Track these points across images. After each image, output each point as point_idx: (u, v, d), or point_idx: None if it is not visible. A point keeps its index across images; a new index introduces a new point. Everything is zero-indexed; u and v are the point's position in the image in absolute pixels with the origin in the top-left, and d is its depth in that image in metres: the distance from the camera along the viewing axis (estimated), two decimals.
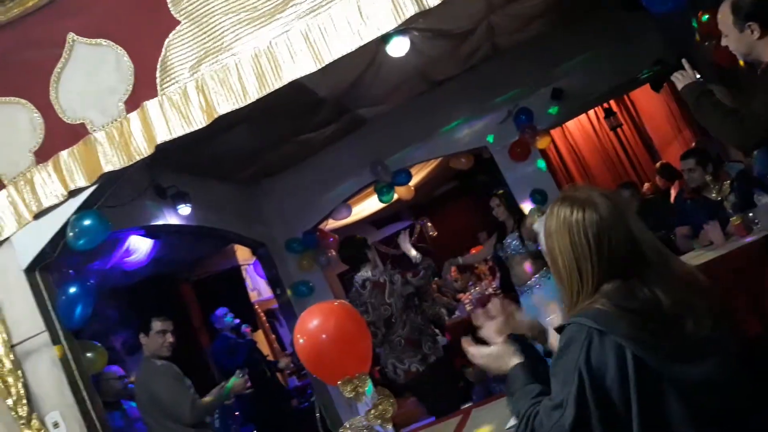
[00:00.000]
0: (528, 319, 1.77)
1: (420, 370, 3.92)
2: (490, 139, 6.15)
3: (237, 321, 6.32)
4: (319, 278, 6.65)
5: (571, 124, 7.78)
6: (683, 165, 3.96)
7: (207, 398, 3.58)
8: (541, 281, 4.47)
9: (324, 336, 1.63)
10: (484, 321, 1.69)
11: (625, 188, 5.55)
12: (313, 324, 1.66)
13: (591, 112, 7.73)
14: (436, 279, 7.90)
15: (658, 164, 6.92)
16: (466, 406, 3.11)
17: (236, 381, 3.66)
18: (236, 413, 5.70)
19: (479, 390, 5.63)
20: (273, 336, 8.73)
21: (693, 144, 5.66)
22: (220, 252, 7.62)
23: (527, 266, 4.59)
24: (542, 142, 6.03)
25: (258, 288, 8.72)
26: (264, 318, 8.53)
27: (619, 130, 7.84)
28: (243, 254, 8.22)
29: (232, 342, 6.03)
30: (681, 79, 2.51)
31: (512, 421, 2.00)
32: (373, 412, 1.55)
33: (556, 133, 7.39)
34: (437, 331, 6.26)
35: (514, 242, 4.69)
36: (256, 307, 8.30)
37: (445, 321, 6.68)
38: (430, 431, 2.34)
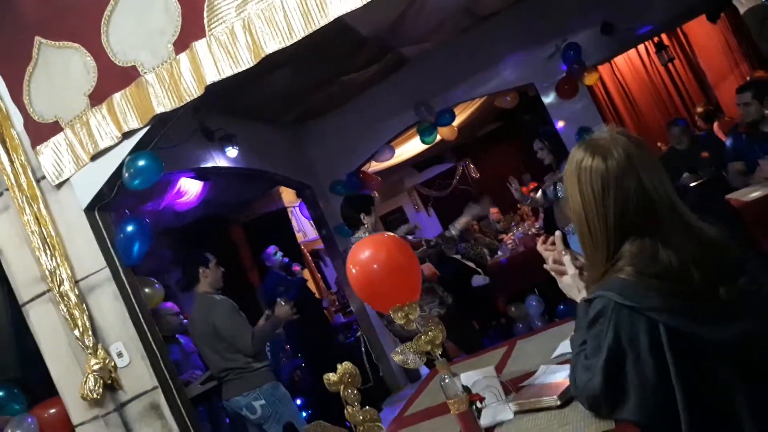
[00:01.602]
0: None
1: (441, 312, 3.83)
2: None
3: (287, 260, 6.49)
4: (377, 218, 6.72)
5: (619, 60, 7.52)
6: (739, 99, 3.82)
7: (260, 328, 3.73)
8: None
9: (375, 266, 1.69)
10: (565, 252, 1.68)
11: (675, 125, 5.39)
12: (365, 255, 1.71)
13: (641, 47, 7.44)
14: (476, 222, 7.93)
15: (699, 108, 6.69)
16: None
17: (281, 308, 3.78)
18: (287, 347, 5.95)
19: (521, 328, 5.72)
20: (318, 275, 8.96)
21: (748, 78, 5.43)
22: (266, 194, 7.78)
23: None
24: (590, 79, 5.86)
25: (303, 229, 8.91)
26: (309, 258, 8.73)
27: (670, 65, 7.54)
28: (288, 197, 8.37)
29: (282, 279, 6.22)
30: (744, 3, 2.38)
31: (558, 351, 2.05)
32: (423, 338, 1.60)
33: (603, 69, 7.16)
34: (479, 270, 6.34)
35: (553, 189, 4.64)
36: (302, 247, 8.49)
37: (487, 261, 6.72)
38: (477, 361, 2.40)
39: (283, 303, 3.79)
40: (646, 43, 7.27)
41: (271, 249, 6.23)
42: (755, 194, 3.23)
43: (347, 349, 6.20)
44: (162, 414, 3.14)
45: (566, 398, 1.59)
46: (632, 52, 7.44)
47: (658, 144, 6.39)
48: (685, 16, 5.96)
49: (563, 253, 1.62)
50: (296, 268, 6.36)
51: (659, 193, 1.30)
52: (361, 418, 1.15)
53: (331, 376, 1.18)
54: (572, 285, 1.56)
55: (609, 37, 5.74)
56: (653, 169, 1.33)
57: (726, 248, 1.31)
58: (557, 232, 1.73)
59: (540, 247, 1.72)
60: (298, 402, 5.20)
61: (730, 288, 1.24)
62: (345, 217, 3.98)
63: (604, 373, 1.26)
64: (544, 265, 1.64)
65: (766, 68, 6.07)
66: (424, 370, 3.52)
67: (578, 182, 1.35)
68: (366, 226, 3.83)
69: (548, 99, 6.03)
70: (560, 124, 5.96)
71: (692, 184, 4.77)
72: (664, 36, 7.18)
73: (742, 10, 2.42)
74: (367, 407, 1.18)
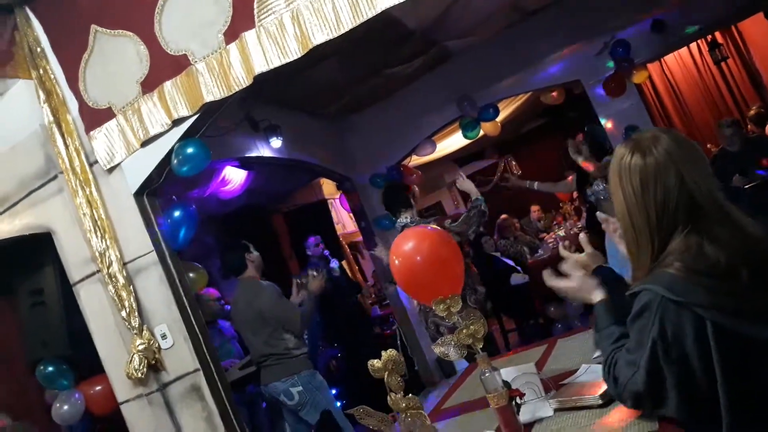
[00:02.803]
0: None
1: (470, 301, 3.63)
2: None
3: (327, 252, 6.53)
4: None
5: (669, 58, 7.33)
6: None
7: (304, 307, 3.77)
8: None
9: (418, 258, 1.69)
10: (569, 254, 1.68)
11: (727, 126, 5.24)
12: (408, 246, 1.72)
13: (693, 45, 7.24)
14: (517, 220, 7.85)
15: (752, 111, 6.47)
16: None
17: (314, 281, 3.79)
18: (323, 336, 6.01)
19: (560, 328, 5.65)
20: (356, 267, 9.01)
21: None
22: (307, 186, 7.85)
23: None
24: (639, 77, 5.74)
25: (342, 221, 8.97)
26: (348, 250, 8.78)
27: (723, 64, 7.31)
28: (329, 189, 8.43)
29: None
30: None
31: (598, 352, 2.02)
32: (465, 331, 1.61)
33: (653, 67, 6.99)
34: (518, 268, 6.29)
35: (601, 187, 4.55)
36: (341, 239, 8.54)
37: (527, 260, 6.66)
38: (516, 358, 2.39)
39: (315, 274, 3.80)
40: (699, 41, 7.07)
41: (314, 239, 6.29)
42: None
43: (383, 341, 6.23)
44: (203, 396, 3.21)
45: (608, 397, 1.57)
46: (683, 50, 7.25)
47: (708, 146, 6.22)
48: (741, 13, 5.78)
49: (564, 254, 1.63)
50: (333, 265, 6.38)
51: (702, 190, 1.29)
52: (404, 405, 1.16)
53: (375, 363, 1.19)
54: (582, 288, 1.55)
55: (659, 35, 5.60)
56: (695, 167, 1.32)
57: None
58: (581, 235, 1.72)
59: (563, 251, 1.72)
60: (333, 391, 5.25)
61: None
62: (390, 201, 3.95)
63: (648, 368, 1.25)
64: (547, 280, 1.64)
65: None
66: (460, 366, 3.49)
67: (620, 179, 1.36)
68: (412, 209, 3.85)
69: (595, 97, 5.92)
70: (608, 125, 5.84)
71: (745, 187, 4.63)
72: (717, 34, 6.97)
73: None
74: (410, 395, 1.19)
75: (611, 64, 5.71)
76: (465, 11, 4.85)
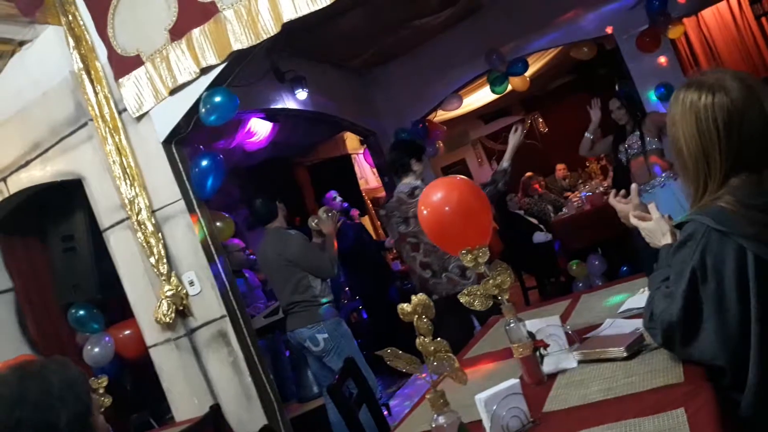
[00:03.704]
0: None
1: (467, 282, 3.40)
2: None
3: (345, 204, 6.57)
4: (427, 169, 6.70)
5: (707, 12, 7.07)
6: None
7: (327, 251, 3.76)
8: (667, 182, 4.28)
9: (447, 208, 1.69)
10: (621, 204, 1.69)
11: (766, 83, 5.08)
12: (437, 197, 1.72)
13: None
14: (542, 178, 7.78)
15: None
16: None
17: (326, 223, 3.76)
18: (346, 289, 6.09)
19: (581, 286, 5.65)
20: (378, 222, 9.05)
21: None
22: (331, 140, 7.84)
23: (656, 168, 4.36)
24: (675, 32, 5.56)
25: (366, 176, 8.97)
26: (370, 205, 8.81)
27: (764, 19, 7.04)
28: (352, 144, 8.41)
29: (340, 223, 6.31)
30: None
31: (626, 306, 2.02)
32: (491, 281, 1.61)
33: (689, 22, 6.74)
34: (541, 226, 6.27)
35: (636, 143, 4.47)
36: (364, 194, 8.56)
37: (551, 217, 6.63)
38: (539, 311, 2.40)
39: (325, 217, 3.76)
40: None
41: (331, 193, 6.31)
42: None
43: (405, 294, 6.29)
44: (229, 342, 3.30)
45: (633, 350, 1.58)
46: (722, 3, 6.98)
47: None
48: None
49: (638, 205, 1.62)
50: (354, 212, 6.42)
51: None
52: (432, 348, 1.18)
53: (405, 306, 1.21)
54: (656, 230, 1.55)
55: None
56: None
57: None
58: (633, 185, 1.71)
59: (612, 200, 1.73)
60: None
61: None
62: (393, 161, 3.62)
63: (684, 297, 1.26)
64: (631, 214, 1.62)
65: None
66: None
67: (697, 121, 1.32)
68: (416, 172, 3.56)
69: (628, 52, 5.76)
70: (638, 79, 5.69)
71: None
72: None
73: None
74: (439, 338, 1.21)
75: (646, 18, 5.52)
76: None
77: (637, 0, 5.58)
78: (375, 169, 7.39)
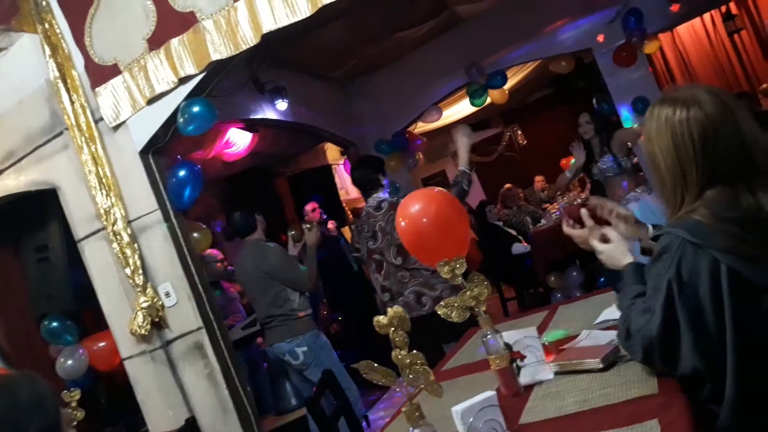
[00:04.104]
0: (625, 211, 1.74)
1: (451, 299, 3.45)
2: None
3: (324, 216, 6.51)
4: (406, 180, 6.72)
5: (681, 29, 7.21)
6: None
7: (306, 265, 3.77)
8: (640, 195, 4.35)
9: (425, 220, 1.69)
10: (572, 231, 1.72)
11: (739, 99, 5.18)
12: (414, 208, 1.72)
13: (707, 15, 7.11)
14: (521, 190, 7.84)
15: (764, 85, 6.38)
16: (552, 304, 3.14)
17: (310, 235, 3.77)
18: (324, 300, 6.05)
19: (559, 297, 5.68)
20: None
21: None
22: (312, 150, 7.82)
23: (624, 184, 4.43)
24: (651, 47, 5.66)
25: (346, 187, 8.95)
26: (351, 216, 8.79)
27: (736, 36, 7.20)
28: (333, 154, 8.40)
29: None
30: None
31: (602, 317, 2.04)
32: (468, 293, 1.62)
33: (663, 37, 6.88)
34: (520, 237, 6.31)
35: (610, 165, 4.53)
36: (344, 205, 8.54)
37: (529, 229, 6.67)
38: (517, 323, 2.40)
39: (309, 228, 3.77)
40: (712, 12, 6.95)
41: (310, 206, 6.25)
42: None
43: (385, 308, 6.27)
44: (205, 354, 3.26)
45: (609, 361, 1.59)
46: (696, 20, 7.13)
47: None
48: None
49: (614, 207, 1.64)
50: (331, 224, 6.39)
51: (757, 139, 1.30)
52: (408, 361, 1.18)
53: (381, 319, 1.20)
54: (614, 251, 1.56)
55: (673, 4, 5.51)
56: (747, 116, 1.32)
57: None
58: (582, 210, 1.72)
59: (566, 229, 1.75)
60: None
61: None
62: (362, 179, 3.62)
63: (663, 311, 1.27)
64: (590, 238, 1.64)
65: None
66: None
67: (672, 136, 1.33)
68: (383, 186, 3.60)
69: (604, 66, 5.85)
70: (615, 92, 5.77)
71: None
72: (732, 4, 6.85)
73: None
74: (414, 351, 1.20)
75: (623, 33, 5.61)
76: None
77: (614, 15, 5.66)
78: None
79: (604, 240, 1.62)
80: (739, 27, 6.99)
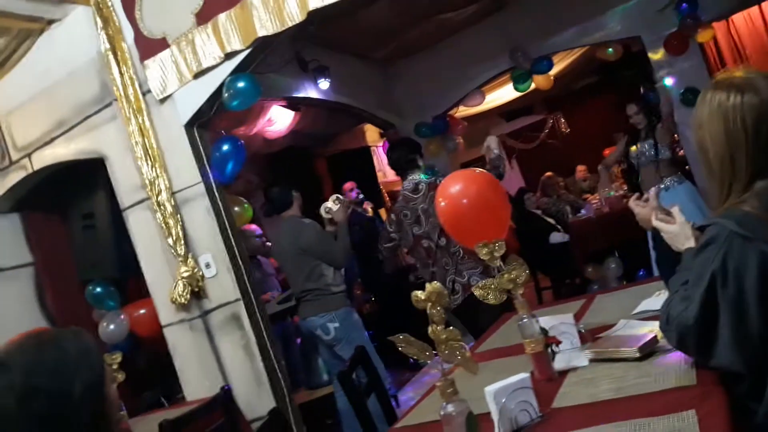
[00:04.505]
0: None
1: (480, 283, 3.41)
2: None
3: (360, 197, 6.53)
4: (445, 164, 6.68)
5: (738, 17, 6.95)
6: None
7: (338, 241, 3.77)
8: (672, 186, 4.29)
9: (465, 201, 1.69)
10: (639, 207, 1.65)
11: None
12: (455, 189, 1.72)
13: (765, 4, 6.84)
14: (562, 179, 7.74)
15: None
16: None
17: (337, 212, 3.74)
18: (358, 280, 6.10)
19: (597, 289, 5.61)
20: None
21: None
22: (351, 131, 7.84)
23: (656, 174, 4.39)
24: (704, 35, 5.47)
25: (384, 169, 8.95)
26: (387, 198, 8.80)
27: None
28: (372, 136, 8.40)
29: (356, 216, 6.29)
30: None
31: (640, 307, 2.01)
32: (507, 275, 1.61)
33: (719, 26, 6.64)
34: (559, 226, 6.24)
35: (649, 150, 4.45)
36: (381, 187, 8.56)
37: (568, 218, 6.58)
38: (552, 310, 2.39)
39: (335, 207, 3.74)
40: None
41: (349, 185, 6.28)
42: None
43: (417, 287, 6.27)
44: (242, 325, 3.33)
45: (646, 351, 1.57)
46: (754, 8, 6.86)
47: None
48: None
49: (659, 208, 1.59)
50: (366, 205, 6.40)
51: None
52: (444, 336, 1.19)
53: (419, 294, 1.21)
54: (680, 234, 1.51)
55: None
56: None
57: None
58: (652, 189, 1.69)
59: (632, 203, 1.69)
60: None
61: None
62: (398, 159, 3.67)
63: (702, 300, 1.24)
64: (653, 217, 1.58)
65: None
66: None
67: (725, 122, 1.30)
68: (421, 167, 3.64)
69: (654, 55, 5.69)
70: (669, 81, 5.62)
71: None
72: None
73: None
74: (451, 327, 1.21)
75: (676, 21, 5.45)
76: None
77: (667, 2, 5.49)
78: None
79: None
80: None
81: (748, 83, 1.29)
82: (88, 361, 1.15)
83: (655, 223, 1.58)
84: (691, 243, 1.48)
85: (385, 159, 8.77)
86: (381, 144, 8.37)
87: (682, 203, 3.95)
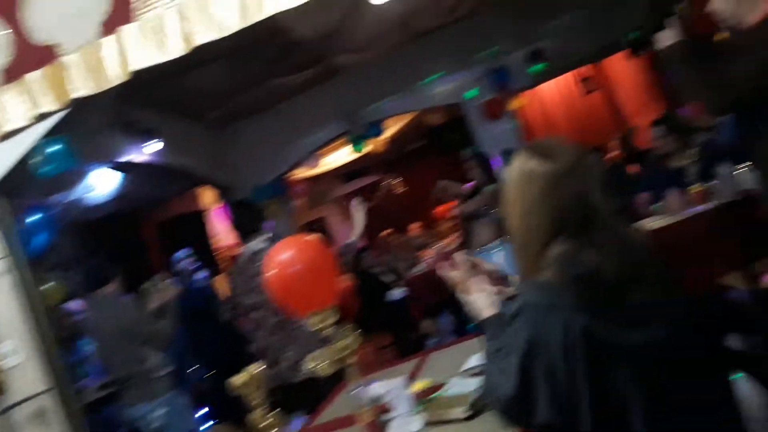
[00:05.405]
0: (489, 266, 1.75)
1: None
2: (469, 94, 6.13)
3: (192, 266, 6.19)
4: (285, 226, 6.64)
5: (545, 86, 7.83)
6: (654, 132, 4.04)
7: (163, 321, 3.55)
8: (501, 247, 4.55)
9: (293, 269, 1.65)
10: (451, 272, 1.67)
11: (590, 154, 5.63)
12: (283, 257, 1.67)
13: (564, 75, 7.79)
14: (397, 236, 8.02)
15: (620, 136, 7.07)
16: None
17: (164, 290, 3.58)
18: (194, 353, 5.73)
19: (432, 343, 5.76)
20: None
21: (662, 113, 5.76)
22: (183, 195, 7.53)
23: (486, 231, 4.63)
24: (516, 103, 6.08)
25: (220, 234, 8.67)
26: (224, 265, 8.49)
27: (588, 96, 7.95)
28: (207, 199, 8.14)
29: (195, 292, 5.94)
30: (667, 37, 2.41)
31: (469, 364, 2.07)
32: (337, 345, 1.58)
33: (527, 94, 7.43)
34: (394, 284, 6.41)
35: (481, 207, 4.73)
36: (217, 253, 8.25)
37: (405, 275, 6.77)
38: (389, 372, 2.38)
39: (160, 287, 3.56)
40: (571, 73, 7.62)
41: (181, 253, 5.88)
42: (657, 224, 3.42)
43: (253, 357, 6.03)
44: (51, 420, 2.92)
45: (474, 410, 1.60)
46: (558, 79, 7.78)
47: None
48: (613, 48, 6.27)
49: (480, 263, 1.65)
50: (199, 276, 6.07)
51: (601, 199, 1.33)
52: (265, 424, 1.12)
53: (236, 379, 1.13)
54: (476, 303, 1.54)
55: (538, 63, 5.96)
56: (599, 177, 1.36)
57: (648, 255, 1.36)
58: (456, 255, 1.72)
59: (441, 273, 1.68)
60: (206, 410, 5.06)
61: (646, 296, 1.29)
62: (243, 224, 3.50)
63: (518, 372, 1.27)
64: (459, 288, 1.61)
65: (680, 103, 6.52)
66: None
67: (522, 185, 1.37)
68: (266, 234, 3.47)
69: (474, 119, 6.18)
70: (485, 148, 6.10)
71: None
72: (588, 67, 7.56)
73: (663, 44, 2.44)
74: (274, 411, 1.14)
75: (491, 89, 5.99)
76: (355, 27, 4.89)
77: (483, 72, 6.03)
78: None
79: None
80: (595, 87, 7.73)
81: (550, 151, 1.37)
82: None
83: (458, 294, 1.59)
84: (489, 311, 1.51)
85: (221, 223, 8.53)
86: (216, 207, 8.12)
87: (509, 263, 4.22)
